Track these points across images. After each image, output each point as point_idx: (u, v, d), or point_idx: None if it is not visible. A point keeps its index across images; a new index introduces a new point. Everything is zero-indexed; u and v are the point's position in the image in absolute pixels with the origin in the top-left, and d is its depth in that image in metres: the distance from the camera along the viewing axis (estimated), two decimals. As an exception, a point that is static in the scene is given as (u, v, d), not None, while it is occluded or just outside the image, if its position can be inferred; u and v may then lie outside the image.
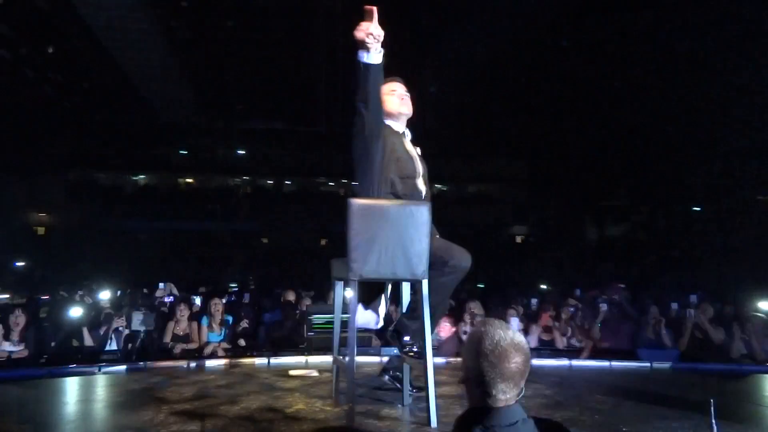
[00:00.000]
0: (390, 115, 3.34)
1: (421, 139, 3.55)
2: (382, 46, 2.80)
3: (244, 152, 29.04)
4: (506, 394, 1.61)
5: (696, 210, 24.28)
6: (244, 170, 28.88)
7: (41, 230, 24.38)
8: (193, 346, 6.41)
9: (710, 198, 22.37)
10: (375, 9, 2.68)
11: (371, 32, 2.71)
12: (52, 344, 6.04)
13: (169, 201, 26.12)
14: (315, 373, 4.39)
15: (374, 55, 2.81)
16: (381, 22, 2.75)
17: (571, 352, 6.32)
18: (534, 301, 8.71)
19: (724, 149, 17.70)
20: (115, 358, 5.46)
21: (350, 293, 3.17)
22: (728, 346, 6.32)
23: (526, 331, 6.78)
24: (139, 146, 26.09)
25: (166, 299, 8.57)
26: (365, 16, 2.70)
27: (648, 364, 5.20)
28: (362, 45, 2.78)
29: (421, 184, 3.38)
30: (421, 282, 3.11)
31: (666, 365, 5.19)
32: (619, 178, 23.15)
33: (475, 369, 1.62)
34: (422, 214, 3.13)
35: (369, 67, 2.84)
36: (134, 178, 28.65)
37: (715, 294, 10.30)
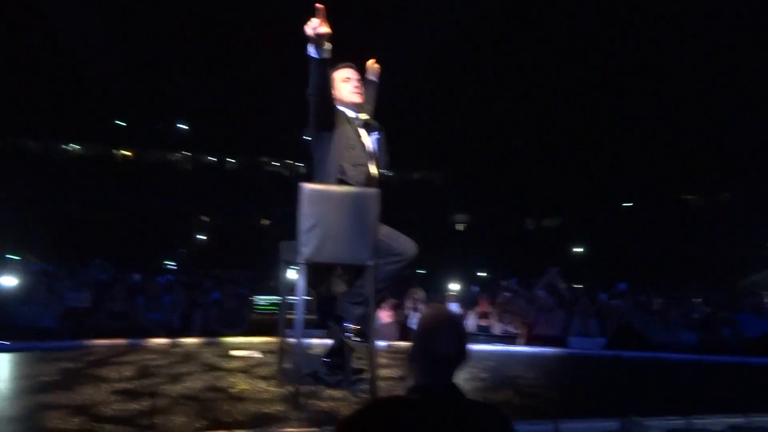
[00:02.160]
0: (343, 103, 3.42)
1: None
2: (330, 42, 2.91)
3: (186, 127, 28.22)
4: (446, 373, 1.73)
5: (627, 206, 25.49)
6: (184, 145, 28.08)
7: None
8: (131, 325, 6.28)
9: (641, 195, 23.53)
10: (323, 7, 2.79)
11: (318, 30, 2.81)
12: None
13: (103, 174, 25.09)
14: (258, 354, 4.41)
15: (321, 50, 2.91)
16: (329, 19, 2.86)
17: (507, 338, 6.58)
18: (473, 288, 8.98)
19: (655, 151, 18.62)
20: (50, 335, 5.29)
21: (297, 276, 3.22)
22: (651, 335, 6.75)
23: (463, 317, 7.01)
24: (72, 114, 24.83)
25: (101, 276, 8.34)
26: (315, 14, 2.80)
27: (577, 351, 5.50)
28: (311, 40, 2.87)
29: (373, 170, 3.46)
30: (367, 267, 3.20)
31: (593, 352, 5.50)
32: (557, 170, 23.95)
33: (419, 348, 1.74)
34: (371, 200, 3.21)
35: (317, 62, 2.95)
36: (66, 147, 27.35)
37: (643, 284, 10.92)
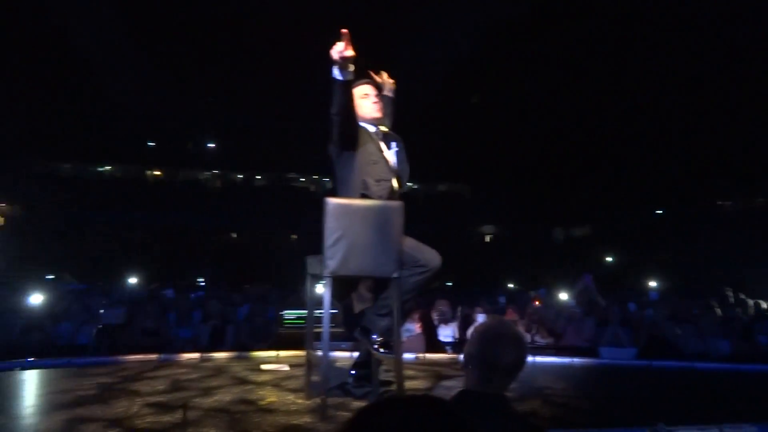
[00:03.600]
0: (364, 119, 3.49)
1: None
2: (353, 64, 3.03)
3: (214, 145, 28.74)
4: (502, 383, 1.78)
5: (658, 213, 25.04)
6: (214, 164, 28.60)
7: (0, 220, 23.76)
8: (162, 340, 6.41)
9: (671, 202, 23.10)
10: (347, 32, 2.90)
11: (343, 53, 2.93)
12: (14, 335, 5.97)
13: (135, 193, 25.68)
14: (286, 368, 4.47)
15: (346, 73, 3.02)
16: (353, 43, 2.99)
17: (535, 349, 6.52)
18: (501, 299, 8.93)
19: (685, 157, 18.31)
20: (86, 352, 5.43)
21: (324, 289, 3.27)
22: (684, 344, 6.62)
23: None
24: (105, 137, 25.53)
25: (135, 293, 8.53)
26: (341, 38, 2.92)
27: (607, 361, 5.43)
28: (337, 63, 2.99)
29: (395, 184, 3.51)
30: (392, 280, 3.23)
31: (623, 363, 5.42)
32: (586, 179, 23.67)
33: (479, 355, 1.79)
34: (395, 213, 3.26)
35: (342, 84, 3.06)
36: (99, 169, 28.10)
37: (676, 292, 10.69)
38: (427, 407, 0.73)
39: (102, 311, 5.92)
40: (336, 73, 3.03)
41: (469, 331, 6.40)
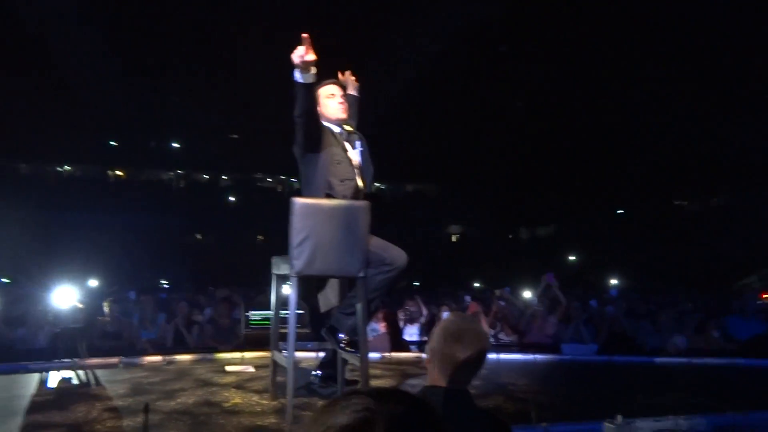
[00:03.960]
0: (328, 119, 3.50)
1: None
2: (315, 67, 3.04)
3: (178, 145, 28.27)
4: (464, 378, 1.80)
5: (619, 213, 25.66)
6: (177, 164, 28.12)
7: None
8: (124, 343, 6.28)
9: (634, 201, 23.70)
10: (308, 36, 2.93)
11: (304, 57, 2.94)
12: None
13: (97, 194, 25.06)
14: (251, 369, 4.44)
15: (307, 76, 3.03)
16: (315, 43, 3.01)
17: (500, 346, 6.61)
18: (467, 297, 9.02)
19: (645, 157, 18.79)
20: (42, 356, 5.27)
21: (289, 290, 3.26)
22: (642, 340, 6.81)
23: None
24: (65, 135, 24.84)
25: (94, 295, 8.32)
26: (302, 42, 2.94)
27: (569, 358, 5.55)
28: (298, 66, 3.00)
29: (360, 184, 3.52)
30: (358, 279, 3.25)
31: (585, 358, 5.55)
32: (550, 179, 24.09)
33: (440, 350, 1.81)
34: (361, 213, 3.27)
35: (304, 86, 3.08)
36: (59, 168, 27.34)
37: (635, 290, 10.97)
38: (393, 398, 0.74)
39: (60, 314, 5.76)
40: (297, 75, 3.04)
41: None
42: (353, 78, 4.07)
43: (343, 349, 3.46)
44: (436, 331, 1.94)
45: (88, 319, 6.13)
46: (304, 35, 2.92)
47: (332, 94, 3.54)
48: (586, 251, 21.95)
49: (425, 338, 7.00)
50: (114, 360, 4.71)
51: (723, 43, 16.49)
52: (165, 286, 15.73)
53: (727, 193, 23.16)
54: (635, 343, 6.70)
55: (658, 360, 5.62)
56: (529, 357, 5.43)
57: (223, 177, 28.76)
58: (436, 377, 1.84)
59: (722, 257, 16.85)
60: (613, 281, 14.03)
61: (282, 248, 3.41)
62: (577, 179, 23.61)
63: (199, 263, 20.72)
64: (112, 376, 4.12)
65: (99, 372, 4.27)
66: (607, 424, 2.78)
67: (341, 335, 3.50)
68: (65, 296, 7.26)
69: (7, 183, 24.15)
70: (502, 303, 7.93)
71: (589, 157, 22.28)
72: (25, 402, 3.34)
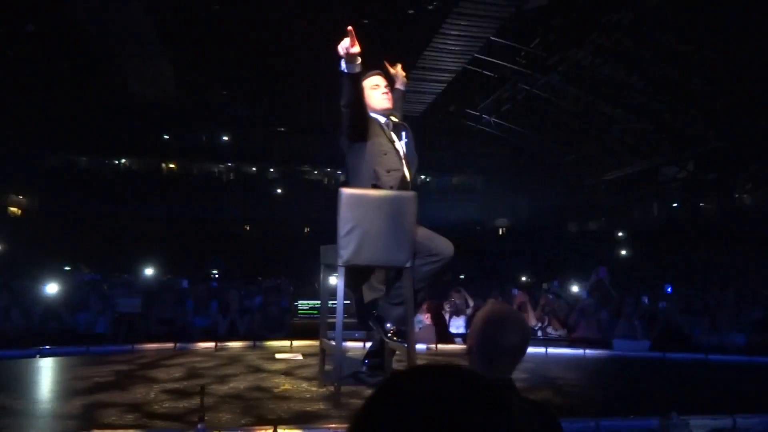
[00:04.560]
0: (374, 109, 3.52)
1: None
2: (360, 57, 3.10)
3: (227, 138, 28.89)
4: (507, 367, 1.80)
5: (673, 207, 24.80)
6: (227, 156, 28.77)
7: (17, 212, 24.16)
8: (178, 329, 6.50)
9: (687, 196, 22.86)
10: (352, 29, 2.99)
11: (349, 49, 3.02)
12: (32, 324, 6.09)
13: (150, 186, 25.95)
14: (300, 357, 4.52)
15: (353, 66, 3.10)
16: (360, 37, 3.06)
17: (548, 341, 6.53)
18: (514, 291, 8.91)
19: (700, 149, 18.04)
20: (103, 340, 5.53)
21: (337, 279, 3.31)
22: (698, 337, 6.59)
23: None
24: (120, 130, 25.77)
25: (152, 284, 8.64)
26: (347, 34, 3.01)
27: (620, 353, 5.42)
28: (343, 57, 3.08)
29: (406, 174, 3.53)
30: (405, 269, 3.26)
31: (637, 354, 5.41)
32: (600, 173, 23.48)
33: (482, 339, 1.81)
34: (408, 203, 3.28)
35: (350, 77, 3.15)
36: (115, 162, 28.39)
37: (689, 285, 10.61)
38: (461, 375, 0.74)
39: (119, 301, 6.02)
40: (343, 66, 3.10)
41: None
42: (403, 73, 4.08)
43: (390, 338, 3.49)
44: (477, 318, 1.93)
45: (144, 306, 6.39)
46: (349, 28, 2.98)
47: (377, 85, 3.57)
48: (638, 245, 21.34)
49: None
50: (169, 345, 4.89)
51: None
52: (216, 275, 16.14)
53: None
54: (691, 341, 6.49)
55: (715, 357, 5.43)
56: (579, 351, 5.34)
57: (271, 169, 29.25)
58: (477, 366, 1.84)
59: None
60: (667, 276, 13.60)
61: (328, 239, 3.46)
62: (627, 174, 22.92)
63: (248, 253, 21.21)
64: (168, 361, 4.27)
65: (155, 356, 4.44)
66: (661, 421, 2.71)
67: (388, 325, 3.53)
68: (122, 284, 7.58)
69: (68, 176, 25.28)
70: (551, 296, 7.81)
71: (638, 150, 21.61)
72: (87, 383, 3.50)
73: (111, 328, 5.81)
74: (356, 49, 3.03)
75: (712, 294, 9.10)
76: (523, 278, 15.45)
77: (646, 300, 7.83)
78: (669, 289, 10.91)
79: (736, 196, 23.48)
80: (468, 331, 1.99)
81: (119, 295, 6.42)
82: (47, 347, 4.60)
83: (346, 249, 3.21)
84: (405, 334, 3.38)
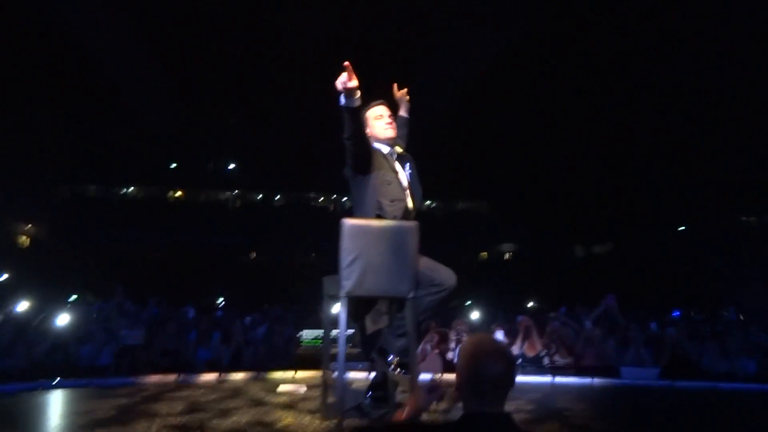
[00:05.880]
0: (378, 139, 3.55)
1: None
2: (359, 91, 3.11)
3: (234, 165, 29.09)
4: (497, 399, 1.77)
5: (681, 230, 24.66)
6: (233, 184, 28.94)
7: (26, 241, 24.29)
8: (182, 361, 6.44)
9: (694, 218, 22.75)
10: (349, 64, 3.01)
11: (347, 84, 3.04)
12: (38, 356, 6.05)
13: (157, 214, 26.07)
14: (303, 389, 4.47)
15: (352, 100, 3.11)
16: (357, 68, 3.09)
17: (555, 369, 6.43)
18: (519, 317, 8.81)
19: (708, 172, 18.04)
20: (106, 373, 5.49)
21: (340, 309, 3.28)
22: (708, 364, 6.47)
23: (509, 347, 6.88)
24: (128, 159, 26.00)
25: (155, 312, 8.60)
26: (345, 69, 3.02)
27: (628, 382, 5.34)
28: (341, 92, 3.09)
29: (409, 204, 3.54)
30: (407, 300, 3.24)
31: (646, 383, 5.32)
32: (607, 195, 23.45)
33: (467, 373, 1.79)
34: (410, 233, 3.28)
35: (350, 110, 3.15)
36: (123, 191, 28.61)
37: (698, 310, 10.48)
38: None
39: (122, 332, 5.99)
40: (342, 100, 3.12)
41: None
42: (407, 98, 4.11)
43: (393, 371, 3.46)
44: (461, 353, 1.93)
45: (148, 337, 6.36)
46: (346, 63, 3.01)
47: (380, 115, 3.61)
48: (645, 270, 21.16)
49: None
50: (172, 377, 4.86)
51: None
52: (221, 304, 16.08)
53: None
54: (700, 367, 6.38)
55: (726, 385, 5.33)
56: (587, 380, 5.26)
57: (277, 197, 29.39)
58: (468, 401, 1.82)
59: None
60: (677, 302, 13.43)
61: (334, 266, 3.44)
62: (634, 194, 22.87)
63: (253, 281, 21.16)
64: (171, 393, 4.23)
65: (158, 389, 4.41)
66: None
67: (391, 357, 3.49)
68: (127, 314, 7.54)
69: (77, 205, 25.46)
70: (557, 324, 7.71)
71: (648, 171, 21.59)
72: (88, 418, 3.47)
73: (114, 360, 5.78)
74: (354, 83, 3.05)
75: (721, 319, 8.98)
76: (529, 304, 15.32)
77: (655, 326, 7.72)
78: (677, 314, 10.78)
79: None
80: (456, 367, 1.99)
81: (123, 326, 6.39)
82: (49, 381, 4.57)
83: (349, 280, 3.20)
84: (408, 365, 3.35)
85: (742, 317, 10.13)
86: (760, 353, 6.72)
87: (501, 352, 1.85)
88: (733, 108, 17.63)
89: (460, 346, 6.96)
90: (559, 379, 5.23)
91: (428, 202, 27.39)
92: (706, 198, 21.45)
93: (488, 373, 1.76)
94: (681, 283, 17.24)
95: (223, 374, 4.99)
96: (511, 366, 1.82)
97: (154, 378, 4.82)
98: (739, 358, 6.41)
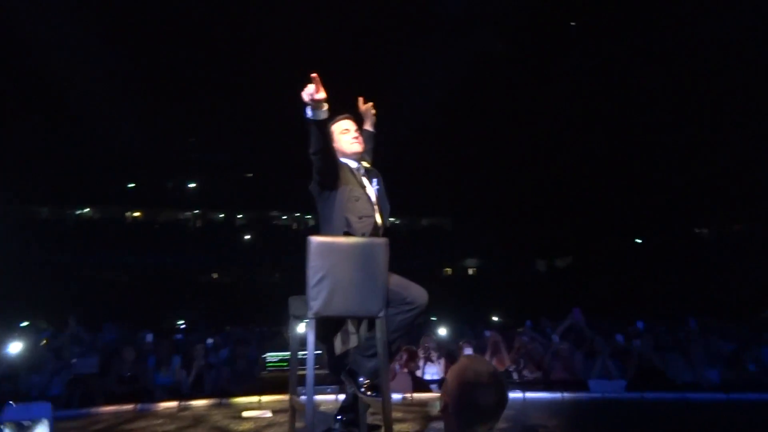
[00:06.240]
0: (344, 154, 3.46)
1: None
2: (327, 103, 3.02)
3: (194, 185, 28.57)
4: (488, 426, 1.68)
5: (637, 242, 25.30)
6: (194, 203, 28.38)
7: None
8: (140, 388, 6.16)
9: (653, 230, 23.36)
10: (317, 76, 2.93)
11: (314, 95, 2.94)
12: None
13: (115, 235, 25.31)
14: (269, 414, 4.30)
15: (319, 113, 3.00)
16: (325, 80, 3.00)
17: (524, 384, 6.40)
18: (486, 332, 8.78)
19: (662, 185, 18.57)
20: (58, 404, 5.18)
21: (308, 330, 3.15)
22: (673, 374, 6.54)
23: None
24: (83, 179, 25.22)
25: (111, 338, 8.27)
26: (312, 81, 2.94)
27: (598, 395, 5.33)
28: (308, 104, 2.99)
29: (378, 220, 3.45)
30: (378, 319, 3.13)
31: (615, 395, 5.33)
32: (566, 210, 23.88)
33: (456, 399, 1.69)
34: (380, 250, 3.17)
35: (316, 123, 3.04)
36: (78, 212, 27.71)
37: (662, 322, 10.64)
38: None
39: (74, 360, 5.69)
40: (309, 113, 3.01)
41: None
42: (373, 111, 4.04)
43: (363, 393, 3.33)
44: (452, 374, 1.82)
45: (104, 365, 6.06)
46: (313, 75, 2.92)
47: (346, 129, 3.52)
48: (606, 282, 21.55)
49: (444, 376, 6.81)
50: (129, 407, 4.61)
51: (745, 67, 16.37)
52: (182, 326, 15.62)
53: (749, 220, 22.75)
54: (666, 378, 6.43)
55: (693, 396, 5.37)
56: (557, 395, 5.23)
57: (239, 216, 28.93)
58: (453, 426, 1.72)
59: (745, 286, 16.42)
60: (639, 313, 13.66)
61: (299, 286, 3.32)
62: (593, 208, 23.35)
63: (215, 302, 20.67)
64: (127, 425, 4.01)
65: (113, 420, 4.17)
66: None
67: (361, 378, 3.37)
68: (81, 341, 7.19)
69: (29, 227, 24.50)
70: (525, 338, 7.71)
71: (606, 185, 22.08)
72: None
73: (66, 390, 5.47)
74: (321, 95, 2.96)
75: (683, 329, 9.13)
76: (494, 318, 15.36)
77: (621, 338, 7.78)
78: (641, 325, 10.92)
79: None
80: (442, 387, 1.86)
81: (76, 354, 6.08)
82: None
83: (317, 300, 3.07)
84: (379, 387, 3.23)
85: (700, 327, 10.35)
86: (721, 363, 6.83)
87: (497, 381, 1.76)
88: (686, 124, 18.26)
89: (452, 366, 6.87)
90: (530, 395, 5.18)
91: (392, 219, 27.35)
92: (660, 211, 22.07)
93: (482, 403, 1.66)
94: (641, 294, 17.60)
95: (183, 402, 4.76)
96: (504, 398, 1.73)
97: (110, 408, 4.56)
98: (702, 369, 6.50)
